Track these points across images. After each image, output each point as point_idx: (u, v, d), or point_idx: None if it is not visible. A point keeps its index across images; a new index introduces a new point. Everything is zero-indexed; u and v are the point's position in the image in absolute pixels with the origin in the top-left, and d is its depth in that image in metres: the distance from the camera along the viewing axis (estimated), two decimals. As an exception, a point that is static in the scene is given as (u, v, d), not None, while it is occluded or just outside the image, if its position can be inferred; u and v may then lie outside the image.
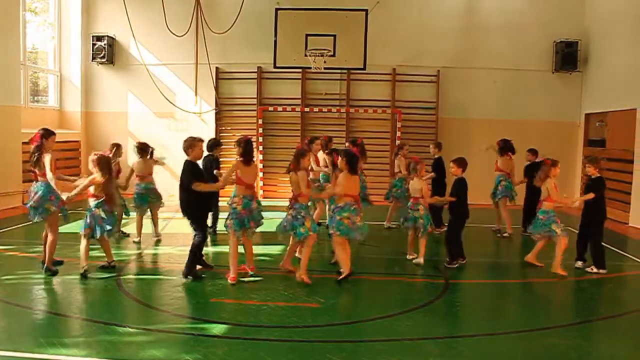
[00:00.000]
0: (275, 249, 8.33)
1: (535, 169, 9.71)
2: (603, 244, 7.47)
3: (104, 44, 13.88)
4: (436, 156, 10.05)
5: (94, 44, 13.93)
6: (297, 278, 6.56)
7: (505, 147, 9.76)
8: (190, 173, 6.59)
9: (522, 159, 9.98)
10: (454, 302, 6.24)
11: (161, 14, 12.33)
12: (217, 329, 5.11)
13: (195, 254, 6.75)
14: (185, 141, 6.81)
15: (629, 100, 11.37)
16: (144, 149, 8.71)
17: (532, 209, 9.80)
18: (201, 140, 6.97)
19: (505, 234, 9.73)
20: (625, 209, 11.42)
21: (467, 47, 13.79)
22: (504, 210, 9.74)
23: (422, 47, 13.76)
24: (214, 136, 13.67)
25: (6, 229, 9.38)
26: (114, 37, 14.16)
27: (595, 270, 7.34)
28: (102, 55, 13.89)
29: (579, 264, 7.56)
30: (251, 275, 6.77)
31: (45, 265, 6.64)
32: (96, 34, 13.99)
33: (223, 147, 10.34)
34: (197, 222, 6.75)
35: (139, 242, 8.48)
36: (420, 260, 7.63)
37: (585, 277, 7.23)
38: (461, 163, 7.61)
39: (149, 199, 8.68)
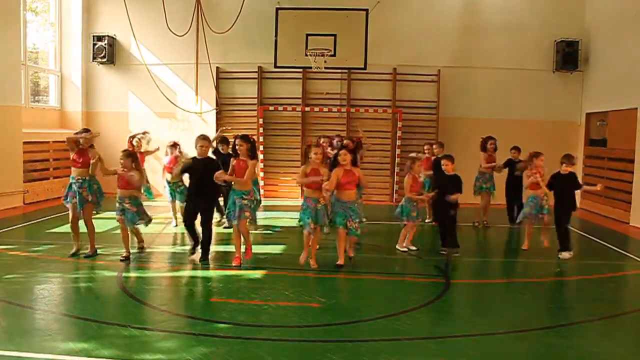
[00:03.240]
0: (276, 249, 8.35)
1: (514, 166, 9.97)
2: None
3: (105, 44, 13.89)
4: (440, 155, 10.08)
5: (94, 44, 13.94)
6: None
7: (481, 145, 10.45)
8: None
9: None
10: (454, 302, 6.25)
11: (162, 14, 12.34)
12: (218, 328, 5.12)
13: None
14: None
15: (630, 100, 11.35)
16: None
17: (516, 203, 10.03)
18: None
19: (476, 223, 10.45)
20: (626, 208, 11.42)
21: (467, 46, 13.78)
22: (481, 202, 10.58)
23: (422, 46, 13.76)
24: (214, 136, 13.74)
25: (7, 229, 9.39)
26: (114, 37, 14.17)
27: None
28: (102, 55, 13.90)
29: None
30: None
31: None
32: (97, 34, 14.00)
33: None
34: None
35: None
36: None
37: (587, 276, 7.24)
38: (453, 160, 8.17)
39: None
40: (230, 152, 7.63)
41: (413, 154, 9.92)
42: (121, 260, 7.30)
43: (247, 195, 7.17)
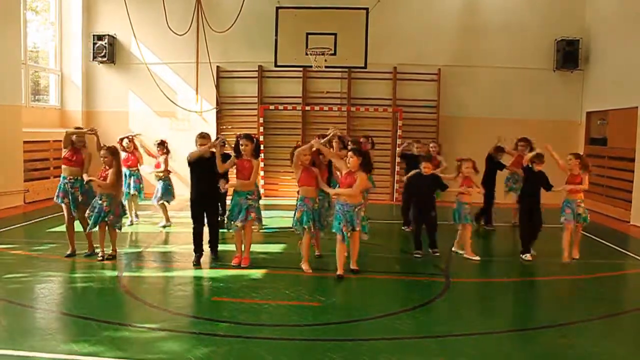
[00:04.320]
0: (276, 247, 8.35)
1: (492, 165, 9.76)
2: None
3: (105, 43, 13.89)
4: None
5: (94, 43, 13.95)
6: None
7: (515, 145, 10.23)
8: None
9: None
10: (454, 301, 6.24)
11: (162, 13, 12.32)
12: (219, 327, 5.12)
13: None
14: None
15: (630, 99, 11.35)
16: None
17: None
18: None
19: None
20: (627, 207, 11.42)
21: (468, 45, 13.78)
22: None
23: (423, 45, 13.75)
24: (214, 135, 13.73)
25: (7, 228, 9.39)
26: (114, 36, 14.17)
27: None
28: (103, 54, 13.91)
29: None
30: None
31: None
32: (97, 33, 14.00)
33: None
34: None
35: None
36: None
37: (587, 276, 7.24)
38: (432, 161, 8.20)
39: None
40: (226, 153, 7.57)
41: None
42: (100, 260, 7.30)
43: (252, 196, 7.15)
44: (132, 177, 9.69)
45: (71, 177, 7.41)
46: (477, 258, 7.87)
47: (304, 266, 7.03)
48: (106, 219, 7.24)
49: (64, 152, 7.51)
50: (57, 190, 7.49)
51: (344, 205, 6.80)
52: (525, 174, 8.06)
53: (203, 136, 7.43)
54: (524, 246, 7.94)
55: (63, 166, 7.52)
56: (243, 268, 7.08)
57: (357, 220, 6.78)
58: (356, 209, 6.81)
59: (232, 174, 7.71)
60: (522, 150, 10.07)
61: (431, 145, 10.18)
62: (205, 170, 7.18)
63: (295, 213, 7.12)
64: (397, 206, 12.85)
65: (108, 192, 7.26)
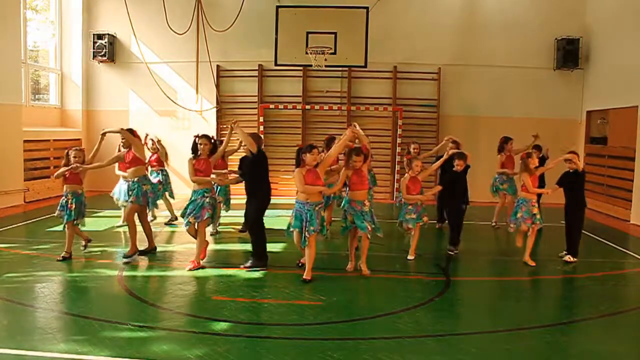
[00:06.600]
0: (276, 247, 8.34)
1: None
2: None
3: (105, 42, 13.90)
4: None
5: (94, 42, 13.96)
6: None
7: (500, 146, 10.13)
8: None
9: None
10: (455, 300, 6.25)
11: (162, 12, 12.31)
12: (219, 326, 5.12)
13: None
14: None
15: (631, 98, 11.34)
16: None
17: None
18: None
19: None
20: (627, 206, 11.42)
21: (468, 44, 13.78)
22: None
23: (423, 44, 13.75)
24: (215, 134, 13.72)
25: (7, 227, 9.39)
26: (114, 35, 14.18)
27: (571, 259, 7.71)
28: (103, 53, 13.91)
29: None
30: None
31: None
32: (97, 32, 14.01)
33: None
34: None
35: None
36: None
37: (587, 275, 7.24)
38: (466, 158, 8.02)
39: None
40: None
41: (413, 146, 9.79)
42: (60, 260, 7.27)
43: (209, 193, 7.05)
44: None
45: (128, 179, 7.50)
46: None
47: (350, 266, 7.13)
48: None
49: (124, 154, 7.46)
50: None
51: (305, 204, 6.55)
52: (567, 179, 7.71)
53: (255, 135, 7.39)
54: (573, 247, 7.78)
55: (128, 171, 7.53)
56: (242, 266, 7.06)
57: (317, 220, 6.48)
58: (316, 208, 6.56)
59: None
60: (509, 150, 10.03)
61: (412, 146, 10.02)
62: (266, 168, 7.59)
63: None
64: (397, 205, 12.86)
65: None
